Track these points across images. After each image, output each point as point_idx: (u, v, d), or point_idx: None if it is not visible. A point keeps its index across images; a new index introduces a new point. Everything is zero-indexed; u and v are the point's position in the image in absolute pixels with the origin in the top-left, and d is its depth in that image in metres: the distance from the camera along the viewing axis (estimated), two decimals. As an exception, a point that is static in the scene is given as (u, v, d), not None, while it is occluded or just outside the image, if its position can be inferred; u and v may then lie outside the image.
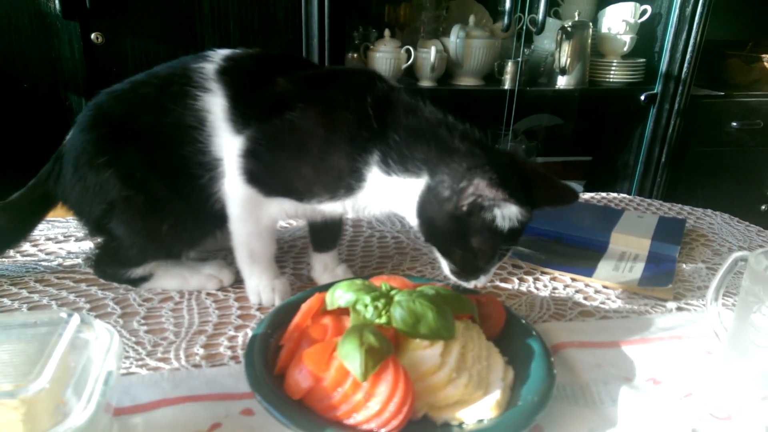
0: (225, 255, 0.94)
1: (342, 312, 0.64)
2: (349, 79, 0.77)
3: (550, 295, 0.87)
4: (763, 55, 2.43)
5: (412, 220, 0.72)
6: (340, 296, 0.63)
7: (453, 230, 0.68)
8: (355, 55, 2.15)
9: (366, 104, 0.71)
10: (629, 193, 2.39)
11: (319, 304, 0.65)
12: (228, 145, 0.76)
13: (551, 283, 0.90)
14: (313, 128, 0.73)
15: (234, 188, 0.77)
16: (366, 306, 0.61)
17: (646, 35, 2.29)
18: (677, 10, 2.14)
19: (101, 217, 0.80)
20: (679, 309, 0.84)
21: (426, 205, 0.69)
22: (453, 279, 0.74)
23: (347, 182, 0.73)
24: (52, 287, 0.83)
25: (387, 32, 2.10)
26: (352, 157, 0.72)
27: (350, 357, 0.54)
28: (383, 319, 0.60)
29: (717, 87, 2.40)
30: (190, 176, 0.78)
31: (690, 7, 2.11)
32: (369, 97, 0.72)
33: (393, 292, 0.63)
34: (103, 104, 0.81)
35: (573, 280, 0.92)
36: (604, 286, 0.90)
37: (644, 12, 2.24)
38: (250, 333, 0.74)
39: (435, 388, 0.57)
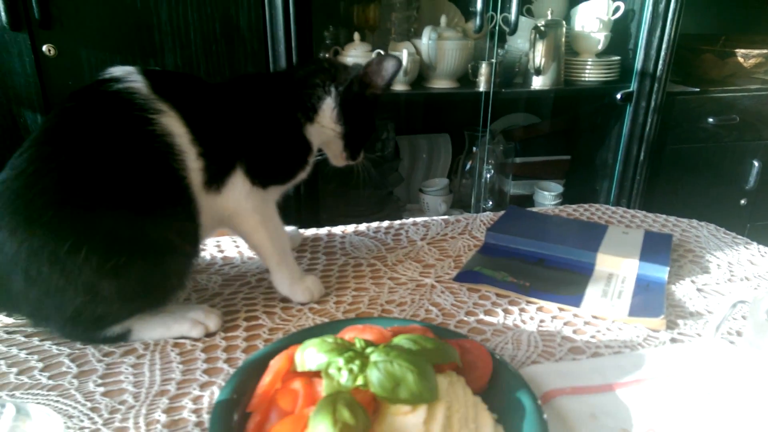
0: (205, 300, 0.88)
1: (314, 372, 0.58)
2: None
3: (538, 330, 0.82)
4: (737, 50, 2.40)
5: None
6: (310, 358, 0.57)
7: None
8: (327, 56, 2.08)
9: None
10: (609, 192, 2.37)
11: (289, 364, 0.60)
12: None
13: (538, 314, 0.85)
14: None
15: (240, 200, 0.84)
16: (339, 369, 0.55)
17: (620, 33, 2.25)
18: (650, 6, 2.10)
19: None
20: (672, 340, 0.80)
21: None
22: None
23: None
24: (0, 344, 0.77)
25: (357, 35, 2.03)
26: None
27: (323, 439, 0.48)
28: (359, 382, 0.54)
29: (692, 83, 2.38)
30: None
31: (663, 2, 2.07)
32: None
33: (369, 350, 0.57)
34: None
35: (560, 309, 0.87)
36: (594, 317, 0.85)
37: (617, 8, 2.20)
38: (216, 391, 0.68)
39: (419, 465, 0.51)
